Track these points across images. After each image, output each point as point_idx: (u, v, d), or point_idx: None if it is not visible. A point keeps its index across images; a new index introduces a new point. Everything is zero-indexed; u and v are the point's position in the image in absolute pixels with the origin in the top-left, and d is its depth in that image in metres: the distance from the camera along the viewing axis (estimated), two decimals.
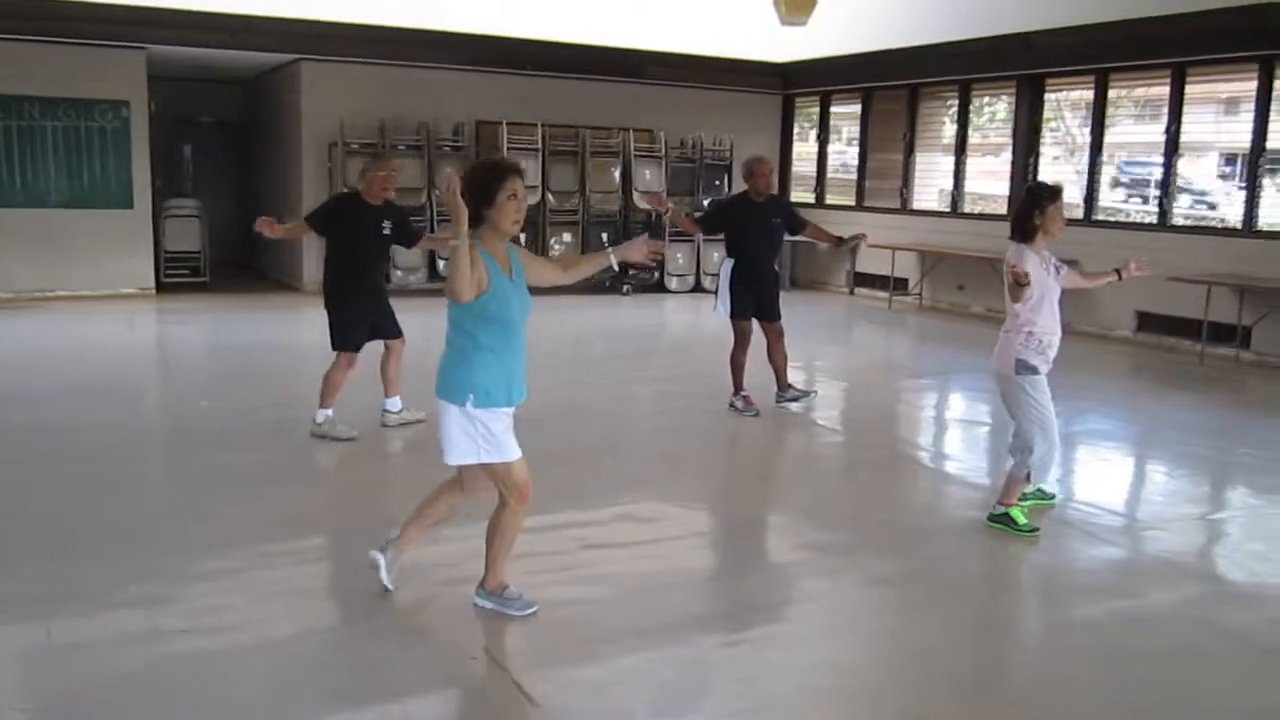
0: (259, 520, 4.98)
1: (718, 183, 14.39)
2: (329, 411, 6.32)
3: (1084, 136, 11.61)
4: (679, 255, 14.16)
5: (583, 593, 4.23)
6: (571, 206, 13.72)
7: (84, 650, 3.64)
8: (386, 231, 6.29)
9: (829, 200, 15.01)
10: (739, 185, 7.64)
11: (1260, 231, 10.03)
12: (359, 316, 6.30)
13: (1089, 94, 11.47)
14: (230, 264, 14.24)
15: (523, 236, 12.93)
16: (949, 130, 13.41)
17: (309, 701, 3.38)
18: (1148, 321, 10.76)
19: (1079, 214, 11.33)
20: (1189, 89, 10.53)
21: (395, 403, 6.56)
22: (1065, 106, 12.24)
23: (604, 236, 13.56)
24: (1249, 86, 10.03)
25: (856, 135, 14.69)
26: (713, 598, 4.40)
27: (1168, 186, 10.70)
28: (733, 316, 7.28)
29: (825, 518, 5.37)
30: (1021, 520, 4.97)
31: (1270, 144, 9.88)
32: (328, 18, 11.95)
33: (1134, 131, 11.58)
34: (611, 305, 13.11)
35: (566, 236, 13.67)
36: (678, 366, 9.55)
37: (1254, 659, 3.91)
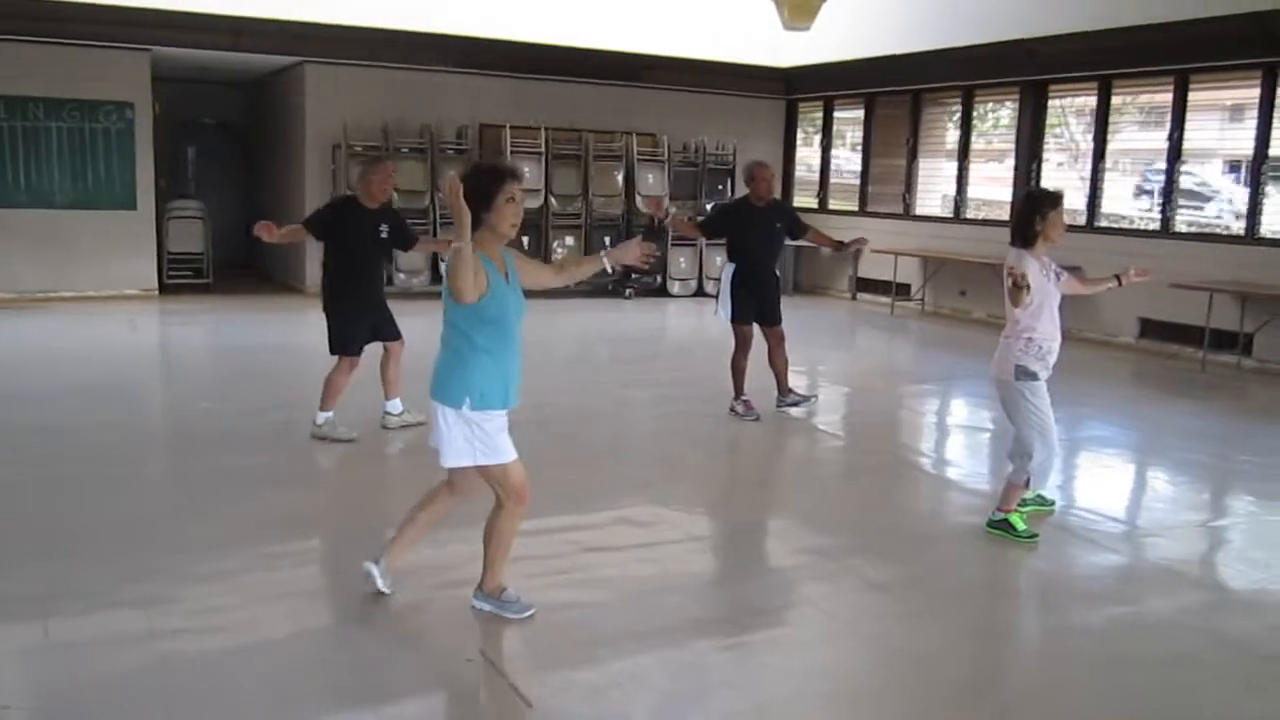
0: (258, 521, 4.98)
1: (720, 187, 14.40)
2: (330, 413, 6.32)
3: (1087, 143, 11.61)
4: (681, 259, 14.17)
5: (580, 596, 4.23)
6: (574, 210, 13.72)
7: (83, 650, 3.64)
8: (384, 235, 6.30)
9: (832, 205, 15.01)
10: (742, 190, 7.64)
11: (1262, 239, 10.02)
12: (358, 320, 6.31)
13: (1092, 100, 11.47)
14: (233, 266, 14.26)
15: (525, 240, 13.00)
16: (952, 136, 13.41)
17: (307, 701, 3.38)
18: (1150, 328, 10.75)
19: (1081, 220, 11.33)
20: (1192, 96, 10.53)
21: (396, 405, 6.56)
22: (1070, 113, 12.24)
23: (606, 240, 13.56)
24: (1252, 94, 10.02)
25: (859, 140, 14.70)
26: (711, 602, 4.39)
27: (1170, 193, 10.69)
28: (734, 321, 7.28)
29: (825, 522, 5.37)
30: (1021, 526, 4.96)
31: (1273, 151, 9.86)
32: (331, 20, 11.97)
33: (1138, 138, 11.57)
34: (614, 309, 13.12)
35: (569, 240, 13.67)
36: (679, 370, 9.56)
37: (1255, 666, 3.90)
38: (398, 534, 4.02)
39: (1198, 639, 4.10)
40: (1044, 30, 11.18)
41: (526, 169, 12.97)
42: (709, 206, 13.43)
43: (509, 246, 3.84)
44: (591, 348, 11.03)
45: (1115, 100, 11.35)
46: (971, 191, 13.09)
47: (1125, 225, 11.43)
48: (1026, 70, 11.81)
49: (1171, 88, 10.62)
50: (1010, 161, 12.47)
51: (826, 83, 14.67)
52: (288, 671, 3.56)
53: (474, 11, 12.42)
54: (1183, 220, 10.81)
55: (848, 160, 15.14)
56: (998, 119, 13.34)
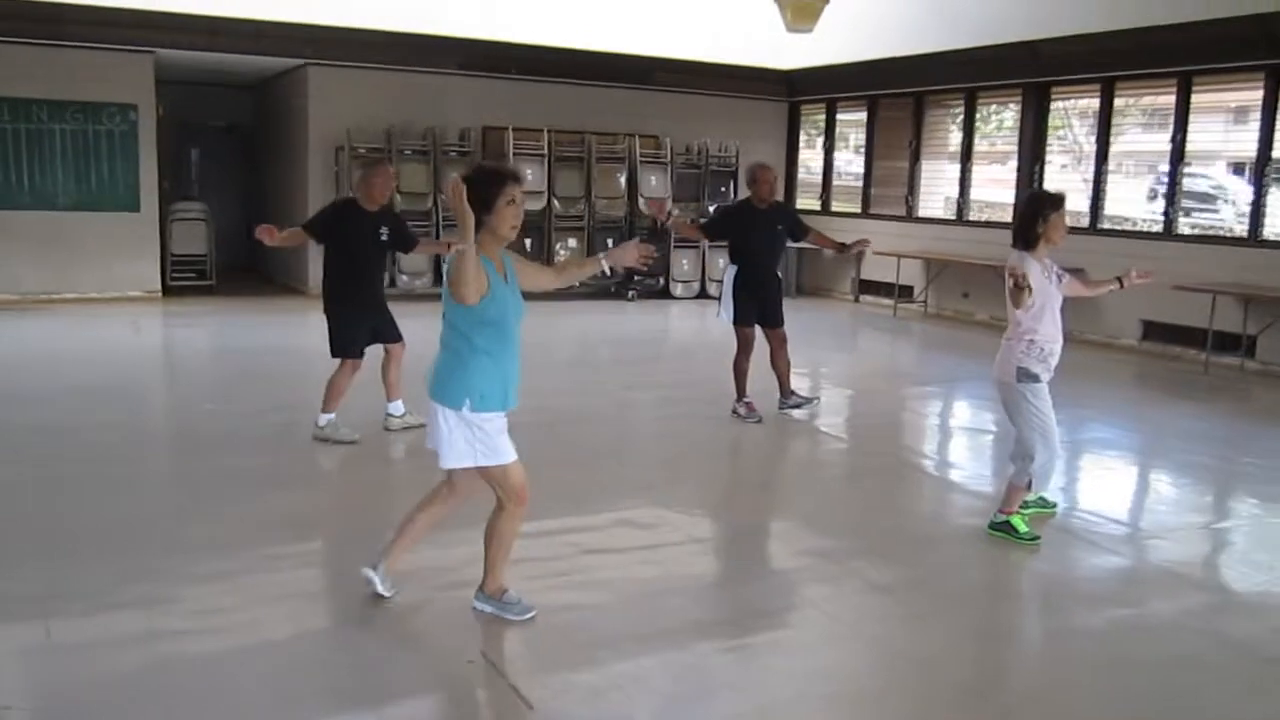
0: (260, 522, 4.98)
1: (723, 189, 14.39)
2: (332, 415, 6.33)
3: (1090, 145, 11.60)
4: (684, 261, 14.18)
5: (582, 598, 4.22)
6: (577, 212, 13.72)
7: (84, 650, 3.64)
8: (384, 237, 6.30)
9: (835, 208, 15.00)
10: (744, 192, 7.65)
11: (1266, 241, 10.00)
12: (359, 322, 6.31)
13: (1095, 102, 11.46)
14: (236, 267, 14.27)
15: (528, 242, 13.01)
16: (955, 138, 13.40)
17: (308, 702, 3.38)
18: (1153, 330, 10.73)
19: (1084, 222, 11.32)
20: (1196, 98, 10.51)
21: (398, 406, 6.56)
22: (1073, 115, 12.23)
23: (609, 242, 13.57)
24: (1255, 96, 10.01)
25: (862, 142, 14.70)
26: (713, 604, 4.38)
27: (1173, 195, 10.67)
28: (736, 323, 7.27)
29: (827, 524, 5.36)
30: (1022, 528, 4.95)
31: (1276, 153, 9.85)
32: (335, 23, 11.99)
33: (1141, 140, 11.56)
34: (616, 311, 13.12)
35: (572, 242, 13.67)
36: (681, 372, 9.56)
37: (1258, 668, 3.89)
38: (396, 536, 4.01)
39: (1200, 641, 4.09)
40: (1046, 32, 11.17)
41: (529, 171, 12.99)
42: (711, 208, 13.43)
43: (508, 249, 3.84)
44: (594, 349, 11.04)
45: (1118, 102, 11.34)
46: (974, 193, 13.08)
47: (1129, 227, 11.42)
48: (1029, 72, 11.81)
49: (1174, 90, 10.61)
50: (1013, 163, 12.45)
51: (829, 85, 14.67)
52: (288, 672, 3.56)
53: (477, 14, 12.43)
54: (1186, 222, 10.79)
55: (850, 162, 15.13)
56: (1001, 121, 13.33)
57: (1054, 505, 5.43)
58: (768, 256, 7.38)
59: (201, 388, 8.44)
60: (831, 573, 4.64)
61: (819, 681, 3.66)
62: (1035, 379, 4.85)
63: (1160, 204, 10.74)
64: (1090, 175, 11.51)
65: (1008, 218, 12.26)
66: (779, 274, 7.66)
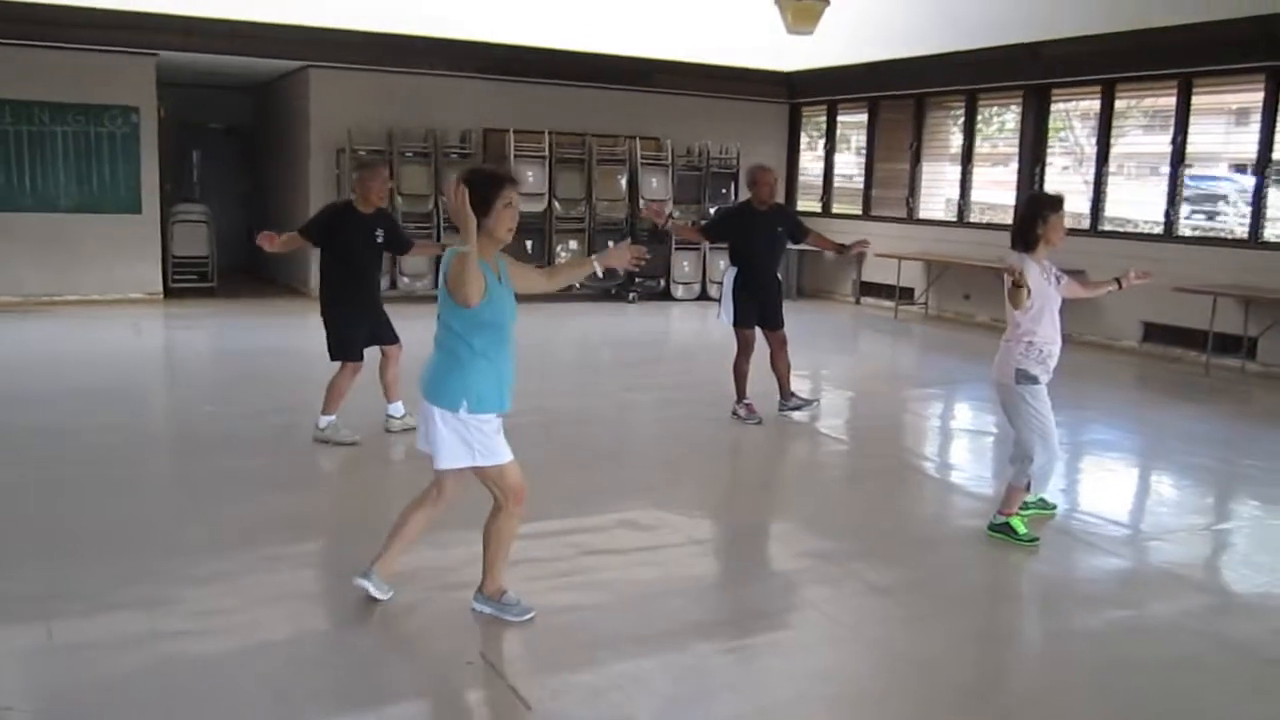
0: (260, 523, 4.98)
1: (724, 191, 14.40)
2: (332, 417, 6.33)
3: (1091, 146, 11.60)
4: (684, 263, 14.18)
5: (581, 599, 4.22)
6: (578, 214, 13.73)
7: (84, 651, 3.65)
8: (380, 239, 6.30)
9: (835, 209, 15.00)
10: (745, 194, 7.65)
11: (1266, 243, 10.00)
12: (357, 324, 6.31)
13: (1096, 104, 11.46)
14: (238, 269, 14.29)
15: (529, 244, 13.03)
16: (956, 140, 13.41)
17: (307, 703, 3.38)
18: (1153, 332, 10.73)
19: (1085, 224, 11.32)
20: (1196, 99, 10.51)
21: (398, 408, 6.56)
22: (1074, 116, 12.23)
23: (610, 244, 13.56)
24: (1256, 97, 10.01)
25: (863, 144, 14.70)
26: (713, 605, 4.39)
27: (1174, 197, 10.67)
28: (736, 325, 7.28)
29: (827, 526, 5.36)
30: (1021, 530, 4.95)
31: (1277, 154, 9.84)
32: (336, 25, 12.00)
33: (1142, 142, 11.56)
34: (617, 313, 13.13)
35: (573, 244, 13.68)
36: (681, 374, 9.56)
37: (1258, 670, 3.89)
38: (388, 540, 3.99)
39: (1200, 643, 4.09)
40: (1047, 34, 11.17)
41: (530, 173, 13.02)
42: (712, 210, 13.44)
43: (503, 251, 3.84)
44: (594, 351, 11.04)
45: (1119, 104, 11.34)
46: (975, 195, 13.08)
47: (1130, 229, 11.41)
48: (1030, 74, 11.81)
49: (1175, 91, 10.61)
50: (1014, 165, 12.46)
51: (830, 87, 14.68)
52: (288, 673, 3.57)
53: (478, 16, 12.43)
54: (1186, 224, 10.79)
55: (851, 164, 15.14)
56: (1002, 123, 13.34)
57: (1054, 507, 5.43)
58: (768, 258, 7.38)
59: (202, 389, 8.44)
60: (831, 574, 4.64)
61: (819, 683, 3.66)
62: (1034, 380, 4.86)
63: (1177, 206, 10.67)
64: (1091, 177, 11.50)
65: (1009, 220, 12.23)
66: (779, 276, 7.67)
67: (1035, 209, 4.90)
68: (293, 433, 6.53)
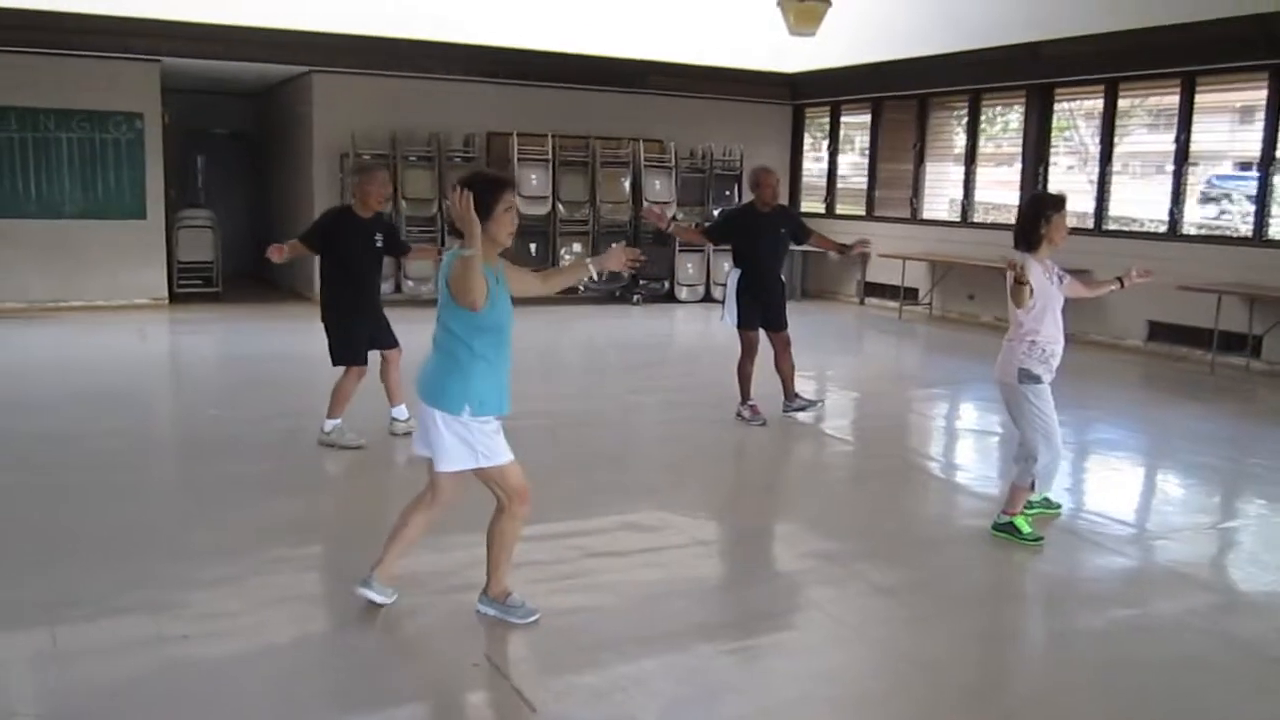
0: (264, 527, 4.99)
1: (728, 193, 14.40)
2: (338, 421, 6.34)
3: (1095, 145, 11.59)
4: (689, 265, 14.19)
5: (585, 601, 4.23)
6: (582, 217, 13.75)
7: (89, 655, 3.66)
8: (379, 244, 6.30)
9: (839, 210, 15.00)
10: (748, 196, 7.66)
11: (1271, 240, 9.98)
12: (359, 329, 6.31)
13: (1099, 103, 11.45)
14: (242, 274, 14.32)
15: (533, 246, 13.05)
16: (959, 140, 13.40)
17: (312, 706, 3.39)
18: (1158, 331, 10.71)
19: (1090, 223, 11.31)
20: (1200, 98, 10.50)
21: (402, 411, 6.57)
22: (1078, 116, 12.22)
23: (612, 247, 13.57)
24: (1259, 95, 9.99)
25: (866, 145, 14.70)
26: (717, 606, 4.39)
27: (1178, 195, 10.65)
28: (739, 326, 7.27)
29: (831, 527, 5.36)
30: (1026, 529, 4.95)
31: None
32: (339, 30, 12.02)
33: (1146, 141, 11.54)
34: (621, 315, 13.14)
35: (577, 246, 13.69)
36: (686, 376, 9.56)
37: (1265, 668, 3.88)
38: (387, 544, 3.98)
39: (1206, 641, 4.08)
40: (1049, 33, 11.16)
41: (534, 176, 13.04)
42: (715, 212, 13.44)
43: (500, 254, 3.84)
44: (599, 353, 11.05)
45: (1122, 103, 11.33)
46: (979, 195, 13.07)
47: (1135, 228, 11.40)
48: (1032, 74, 11.80)
49: (1178, 90, 10.59)
50: (1018, 165, 12.44)
51: (833, 88, 14.68)
52: (292, 676, 3.58)
53: (481, 20, 12.44)
54: (1190, 222, 10.76)
55: (855, 165, 15.13)
56: (1005, 123, 13.33)
57: (1059, 506, 5.43)
58: (771, 260, 7.38)
59: (207, 394, 8.46)
60: (835, 575, 4.64)
61: (822, 684, 3.66)
62: (1037, 380, 4.85)
63: (1181, 205, 10.65)
64: (1095, 176, 11.49)
65: (1013, 219, 12.24)
66: (782, 277, 7.67)
67: (1038, 208, 4.91)
68: (298, 437, 6.54)
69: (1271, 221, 9.97)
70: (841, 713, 3.52)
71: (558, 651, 3.77)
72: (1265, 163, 9.94)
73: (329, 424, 6.34)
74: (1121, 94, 11.28)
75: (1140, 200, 11.47)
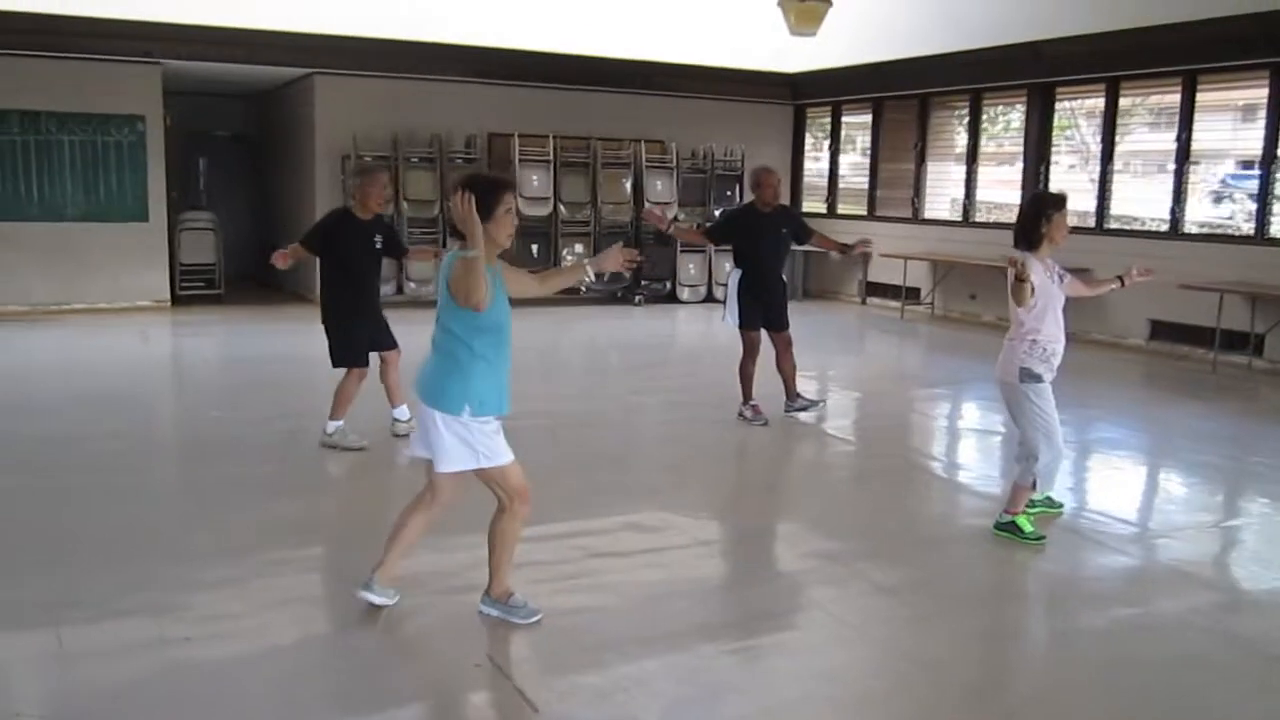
0: (266, 529, 5.00)
1: (729, 193, 14.40)
2: (340, 422, 6.35)
3: (1096, 144, 11.58)
4: (690, 266, 14.19)
5: (588, 601, 4.23)
6: (583, 218, 13.75)
7: (93, 657, 3.67)
8: (378, 246, 6.31)
9: (840, 210, 15.00)
10: (749, 196, 7.66)
11: (1272, 239, 9.97)
12: (359, 331, 6.31)
13: (1101, 102, 11.45)
14: (245, 276, 14.32)
15: (535, 247, 13.05)
16: (960, 139, 13.40)
17: (314, 707, 3.40)
18: (1160, 329, 10.70)
19: (1091, 222, 11.30)
20: (1201, 96, 10.49)
21: (404, 411, 6.57)
22: (1080, 115, 12.21)
23: (611, 247, 13.57)
24: (1261, 94, 9.99)
25: (868, 145, 14.70)
26: (719, 606, 4.39)
27: (1180, 194, 10.64)
28: (741, 327, 7.28)
29: (833, 526, 5.36)
30: (1028, 528, 4.95)
31: None
32: (340, 32, 12.04)
33: (1147, 140, 11.54)
34: (623, 315, 13.15)
35: (578, 247, 13.69)
36: (688, 376, 9.56)
37: (1266, 667, 3.88)
38: (387, 546, 3.98)
39: (1208, 640, 4.08)
40: (1050, 32, 11.16)
41: (535, 177, 13.04)
42: (717, 213, 13.44)
43: (499, 255, 3.85)
44: (601, 354, 11.05)
45: (1124, 102, 11.32)
46: (980, 195, 13.07)
47: (1136, 227, 11.39)
48: (1033, 73, 11.80)
49: (1179, 89, 10.59)
50: (1019, 164, 12.44)
51: (834, 88, 14.68)
52: (295, 678, 3.58)
53: (482, 21, 12.45)
54: (1192, 221, 10.76)
55: (856, 165, 15.13)
56: (1007, 122, 13.32)
57: (1061, 505, 5.43)
58: (772, 260, 7.38)
59: (209, 396, 8.48)
60: (837, 574, 4.64)
61: (824, 683, 3.66)
62: (1038, 379, 4.85)
63: (1185, 203, 10.64)
64: (1096, 175, 11.48)
65: (1014, 219, 12.22)
66: (784, 277, 7.67)
67: (1039, 207, 4.91)
68: (300, 438, 6.55)
69: (1273, 220, 9.97)
70: (843, 712, 3.53)
71: (560, 652, 3.77)
72: (1266, 161, 9.93)
73: (331, 425, 6.35)
74: (1123, 93, 11.28)
75: (1141, 199, 11.47)
